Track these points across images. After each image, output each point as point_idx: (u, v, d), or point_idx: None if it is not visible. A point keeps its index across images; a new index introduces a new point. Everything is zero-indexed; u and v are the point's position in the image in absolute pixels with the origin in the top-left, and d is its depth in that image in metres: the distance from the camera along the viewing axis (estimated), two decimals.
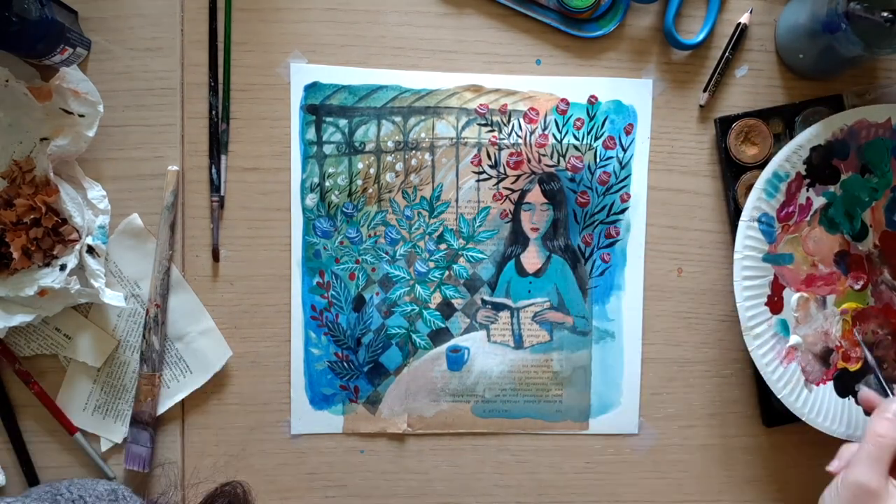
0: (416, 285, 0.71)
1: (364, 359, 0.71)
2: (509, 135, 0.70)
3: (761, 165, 0.68)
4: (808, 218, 0.69)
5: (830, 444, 0.70)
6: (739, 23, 0.69)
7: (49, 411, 0.68)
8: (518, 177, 0.70)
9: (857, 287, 0.70)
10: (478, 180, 0.70)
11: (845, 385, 0.69)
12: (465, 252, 0.71)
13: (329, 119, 0.69)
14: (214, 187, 0.69)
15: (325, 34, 0.69)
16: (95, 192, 0.67)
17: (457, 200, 0.70)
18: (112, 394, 0.69)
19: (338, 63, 0.69)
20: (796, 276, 0.69)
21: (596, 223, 0.71)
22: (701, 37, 0.69)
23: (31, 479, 0.68)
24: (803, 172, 0.67)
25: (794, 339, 0.68)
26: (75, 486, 0.58)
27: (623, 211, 0.71)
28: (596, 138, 0.70)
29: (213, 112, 0.68)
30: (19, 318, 0.64)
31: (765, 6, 0.70)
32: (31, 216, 0.64)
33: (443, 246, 0.71)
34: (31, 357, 0.68)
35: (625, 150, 0.71)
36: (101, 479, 0.63)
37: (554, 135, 0.70)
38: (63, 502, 0.53)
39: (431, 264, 0.71)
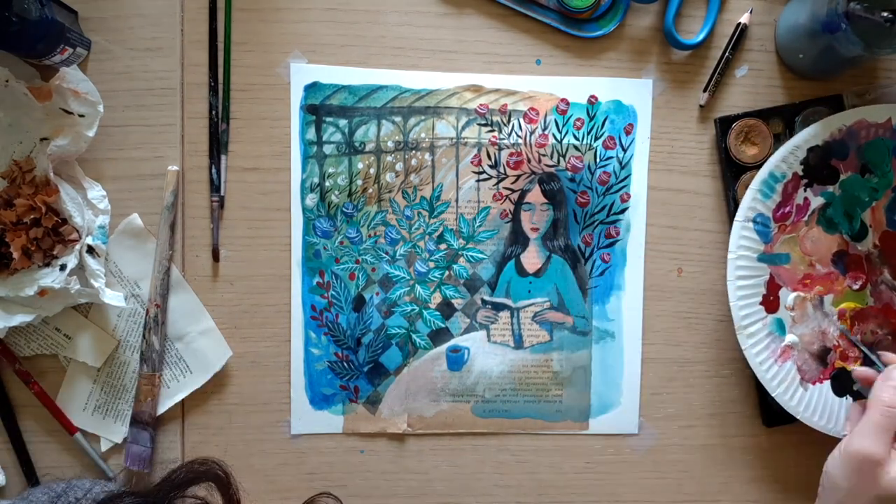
0: (416, 285, 0.71)
1: (364, 359, 0.71)
2: (509, 135, 0.70)
3: (761, 165, 0.68)
4: (805, 218, 0.69)
5: (830, 444, 0.70)
6: (739, 23, 0.69)
7: (49, 411, 0.68)
8: (518, 177, 0.70)
9: (856, 287, 0.70)
10: (478, 180, 0.70)
11: (843, 384, 0.69)
12: (465, 252, 0.71)
13: (329, 119, 0.69)
14: (214, 187, 0.69)
15: (325, 34, 0.69)
16: (95, 192, 0.67)
17: (457, 200, 0.70)
18: (112, 394, 0.69)
19: (338, 63, 0.69)
20: (793, 276, 0.69)
21: (596, 223, 0.71)
22: (701, 37, 0.69)
23: (31, 479, 0.68)
24: (800, 173, 0.67)
25: (790, 338, 0.69)
26: (73, 488, 0.58)
27: (623, 211, 0.71)
28: (596, 138, 0.70)
29: (213, 112, 0.68)
30: (19, 318, 0.64)
31: (765, 6, 0.70)
32: (31, 216, 0.64)
33: (443, 246, 0.71)
34: (31, 357, 0.68)
35: (625, 150, 0.71)
36: (100, 480, 0.63)
37: (554, 135, 0.70)
38: None
39: (431, 264, 0.71)
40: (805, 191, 0.68)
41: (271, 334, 0.70)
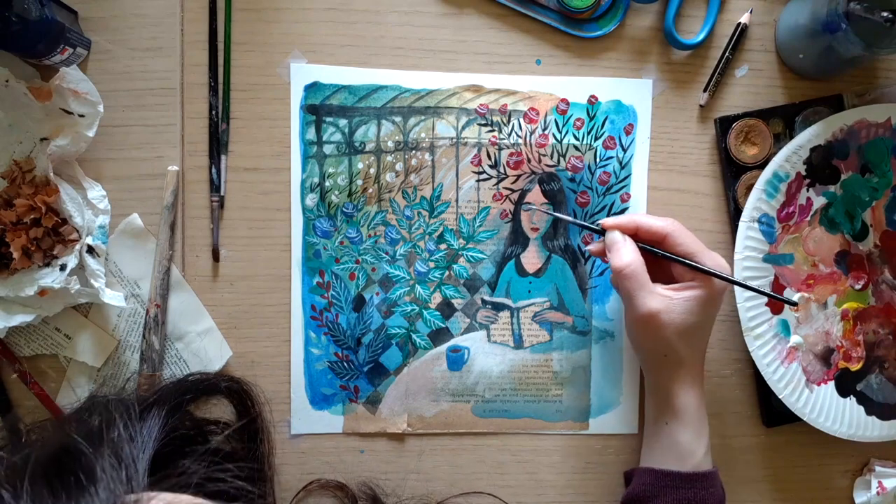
0: (416, 285, 0.71)
1: (364, 359, 0.71)
2: (509, 135, 0.70)
3: (761, 165, 0.68)
4: (808, 218, 0.69)
5: (830, 444, 0.70)
6: (739, 23, 0.69)
7: (49, 411, 0.68)
8: (518, 177, 0.70)
9: (858, 287, 0.70)
10: (478, 180, 0.70)
11: (846, 385, 0.69)
12: (465, 252, 0.71)
13: (329, 119, 0.69)
14: (214, 187, 0.69)
15: (325, 34, 0.69)
16: (95, 192, 0.67)
17: (457, 200, 0.70)
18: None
19: (338, 63, 0.69)
20: (797, 277, 0.69)
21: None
22: (701, 37, 0.69)
23: None
24: (803, 173, 0.67)
25: (794, 339, 0.68)
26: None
27: (623, 211, 0.71)
28: (596, 138, 0.70)
29: (213, 112, 0.68)
30: (19, 318, 0.64)
31: (765, 6, 0.70)
32: (31, 216, 0.64)
33: (443, 246, 0.71)
34: (31, 357, 0.68)
35: (625, 150, 0.71)
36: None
37: (554, 135, 0.70)
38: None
39: (431, 264, 0.71)
40: (808, 191, 0.68)
41: (271, 334, 0.70)
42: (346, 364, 0.71)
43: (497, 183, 0.70)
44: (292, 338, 0.70)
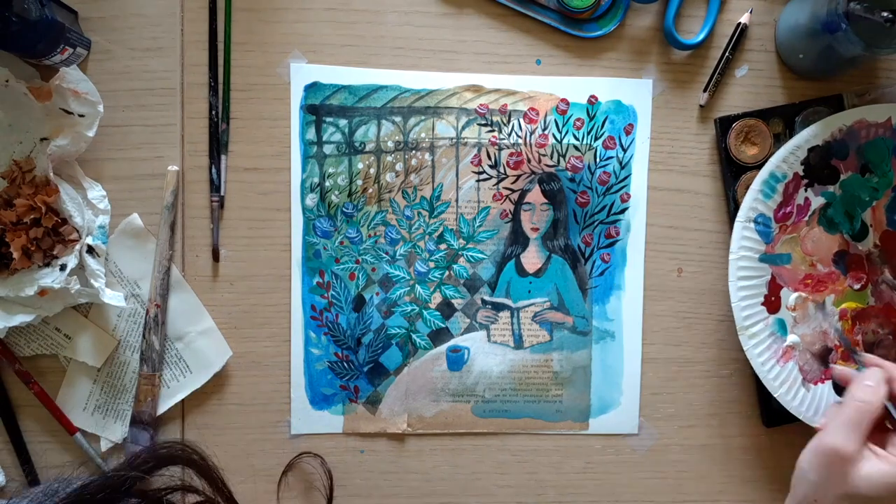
0: (416, 285, 0.71)
1: (364, 359, 0.71)
2: (509, 135, 0.70)
3: (761, 165, 0.68)
4: (806, 218, 0.69)
5: None
6: (739, 23, 0.69)
7: (49, 411, 0.68)
8: (518, 177, 0.70)
9: (857, 287, 0.70)
10: (478, 180, 0.70)
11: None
12: (465, 252, 0.71)
13: (329, 119, 0.69)
14: (214, 187, 0.69)
15: (325, 34, 0.69)
16: (95, 192, 0.67)
17: (457, 200, 0.70)
18: (112, 394, 0.69)
19: (338, 63, 0.69)
20: (794, 276, 0.69)
21: (596, 223, 0.71)
22: (701, 37, 0.69)
23: (31, 479, 0.68)
24: (801, 173, 0.67)
25: (791, 338, 0.68)
26: (71, 484, 0.58)
27: (623, 211, 0.71)
28: (596, 138, 0.70)
29: (213, 112, 0.68)
30: (19, 318, 0.64)
31: (765, 6, 0.70)
32: (31, 216, 0.64)
33: (443, 246, 0.71)
34: (31, 357, 0.68)
35: (625, 150, 0.71)
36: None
37: (554, 135, 0.70)
38: (58, 501, 0.53)
39: (431, 264, 0.71)
40: (806, 191, 0.68)
41: (271, 334, 0.70)
42: (346, 364, 0.71)
43: (497, 183, 0.70)
44: (292, 338, 0.70)
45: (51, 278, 0.63)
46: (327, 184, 0.69)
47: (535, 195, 0.71)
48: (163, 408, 0.69)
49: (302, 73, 0.69)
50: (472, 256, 0.71)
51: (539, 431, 0.72)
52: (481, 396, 0.71)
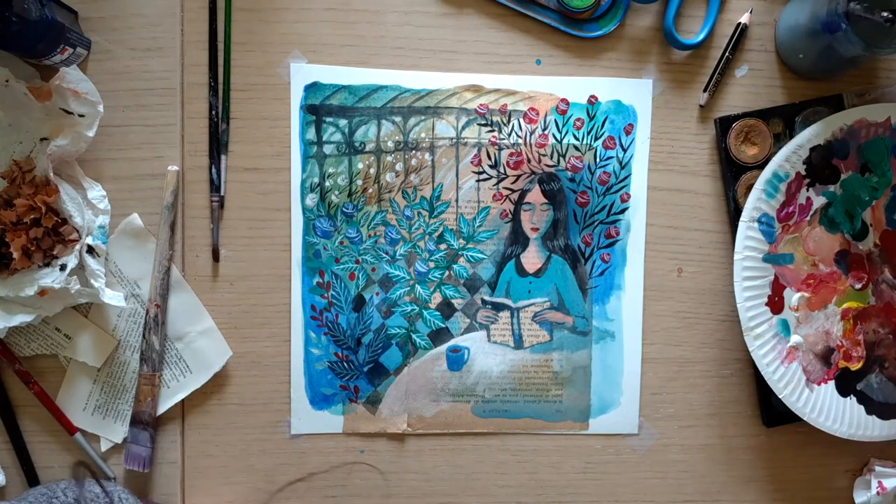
0: (416, 285, 0.71)
1: (364, 359, 0.71)
2: (509, 135, 0.70)
3: (761, 165, 0.68)
4: (808, 218, 0.69)
5: (830, 444, 0.70)
6: (739, 23, 0.69)
7: (49, 411, 0.68)
8: (518, 177, 0.70)
9: (858, 287, 0.70)
10: (478, 180, 0.70)
11: (847, 384, 0.69)
12: (465, 252, 0.71)
13: (329, 119, 0.69)
14: (214, 187, 0.69)
15: (325, 34, 0.69)
16: (95, 192, 0.67)
17: (457, 200, 0.70)
18: (112, 394, 0.69)
19: (338, 63, 0.69)
20: (797, 276, 0.69)
21: (596, 223, 0.71)
22: (701, 37, 0.69)
23: (31, 479, 0.68)
24: (803, 172, 0.67)
25: (794, 338, 0.68)
26: (72, 488, 0.58)
27: (623, 211, 0.71)
28: (596, 138, 0.70)
29: (213, 112, 0.68)
30: (19, 318, 0.64)
31: (765, 6, 0.70)
32: (31, 216, 0.64)
33: (443, 246, 0.71)
34: (31, 357, 0.68)
35: (625, 150, 0.71)
36: (99, 480, 0.63)
37: (554, 135, 0.70)
38: None
39: (431, 264, 0.71)
40: (807, 190, 0.68)
41: (271, 334, 0.70)
42: (346, 364, 0.71)
43: (497, 183, 0.70)
44: (292, 338, 0.70)
45: (51, 278, 0.63)
46: (327, 184, 0.69)
47: (535, 195, 0.71)
48: (163, 408, 0.69)
49: (302, 73, 0.69)
50: (472, 256, 0.71)
51: (539, 431, 0.72)
52: (481, 396, 0.71)
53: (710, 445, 0.73)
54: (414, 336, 0.71)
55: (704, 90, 0.70)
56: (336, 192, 0.70)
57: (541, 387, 0.71)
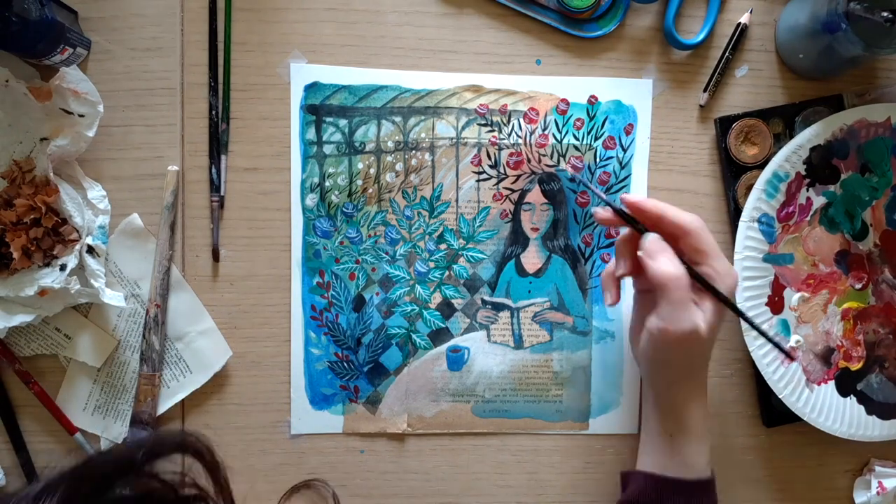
0: (416, 285, 0.71)
1: (364, 359, 0.71)
2: (509, 135, 0.70)
3: (761, 165, 0.68)
4: (808, 218, 0.69)
5: (830, 444, 0.70)
6: (739, 23, 0.69)
7: (49, 411, 0.68)
8: (518, 177, 0.70)
9: (858, 287, 0.70)
10: (478, 180, 0.70)
11: (847, 384, 0.69)
12: (465, 252, 0.71)
13: (329, 119, 0.69)
14: (214, 187, 0.69)
15: (325, 34, 0.69)
16: (95, 192, 0.67)
17: (457, 200, 0.70)
18: (112, 394, 0.69)
19: (338, 63, 0.69)
20: (797, 276, 0.69)
21: (596, 223, 0.71)
22: (701, 37, 0.69)
23: (31, 479, 0.68)
24: (803, 172, 0.67)
25: (794, 338, 0.68)
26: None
27: None
28: (596, 138, 0.70)
29: (213, 112, 0.68)
30: (19, 318, 0.64)
31: (765, 6, 0.70)
32: (31, 216, 0.64)
33: (443, 246, 0.71)
34: (31, 357, 0.68)
35: (625, 150, 0.71)
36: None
37: (554, 135, 0.70)
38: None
39: (431, 264, 0.71)
40: (807, 190, 0.68)
41: (271, 334, 0.70)
42: (346, 364, 0.71)
43: (497, 183, 0.70)
44: (292, 338, 0.70)
45: (51, 278, 0.63)
46: (327, 184, 0.69)
47: (535, 195, 0.71)
48: (163, 408, 0.69)
49: (302, 73, 0.69)
50: (472, 256, 0.71)
51: (539, 431, 0.72)
52: (481, 396, 0.71)
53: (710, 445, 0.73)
54: (414, 336, 0.71)
55: (704, 90, 0.70)
56: (336, 192, 0.70)
57: (541, 387, 0.71)
